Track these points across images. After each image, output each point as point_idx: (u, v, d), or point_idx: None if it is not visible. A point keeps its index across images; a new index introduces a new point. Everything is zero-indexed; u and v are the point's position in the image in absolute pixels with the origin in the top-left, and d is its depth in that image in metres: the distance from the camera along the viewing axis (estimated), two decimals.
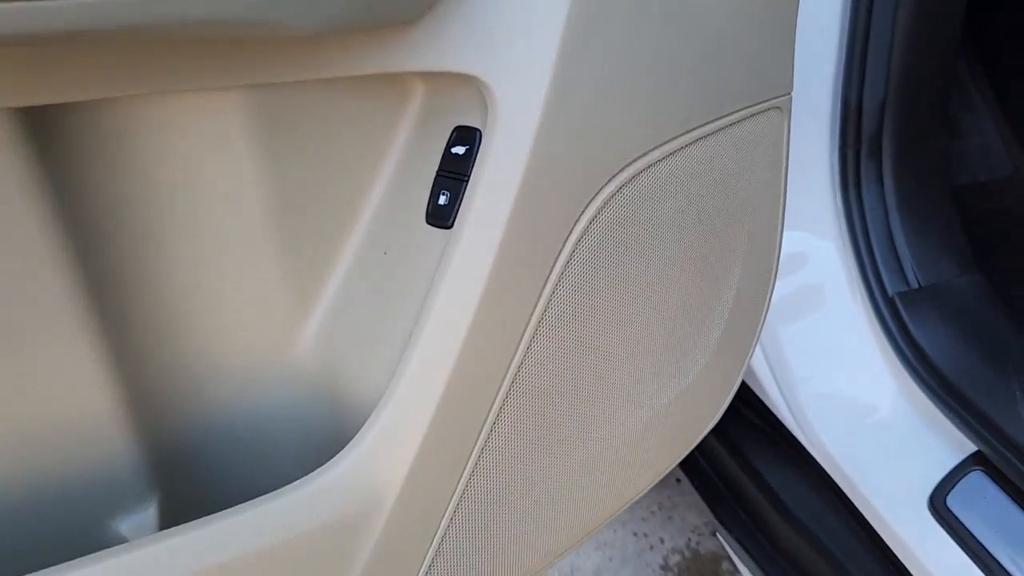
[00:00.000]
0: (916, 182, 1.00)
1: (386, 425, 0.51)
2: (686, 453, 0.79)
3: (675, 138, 0.59)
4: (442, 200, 0.53)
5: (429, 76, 0.54)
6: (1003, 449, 0.85)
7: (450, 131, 0.54)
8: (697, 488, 1.13)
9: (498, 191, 0.51)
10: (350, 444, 0.52)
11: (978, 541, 0.84)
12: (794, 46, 0.67)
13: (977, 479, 0.89)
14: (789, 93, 0.68)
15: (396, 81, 0.55)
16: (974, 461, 0.89)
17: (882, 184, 0.99)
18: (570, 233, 0.54)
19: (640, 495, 0.76)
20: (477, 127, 0.53)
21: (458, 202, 0.52)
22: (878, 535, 0.93)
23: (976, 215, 1.22)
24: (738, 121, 0.64)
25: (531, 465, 0.61)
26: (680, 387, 0.72)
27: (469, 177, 0.52)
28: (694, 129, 0.60)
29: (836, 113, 0.99)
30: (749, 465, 1.06)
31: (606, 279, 0.58)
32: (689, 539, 1.57)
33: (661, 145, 0.58)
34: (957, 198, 1.23)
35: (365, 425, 0.52)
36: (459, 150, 0.53)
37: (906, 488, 0.91)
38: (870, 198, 1.00)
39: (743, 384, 1.09)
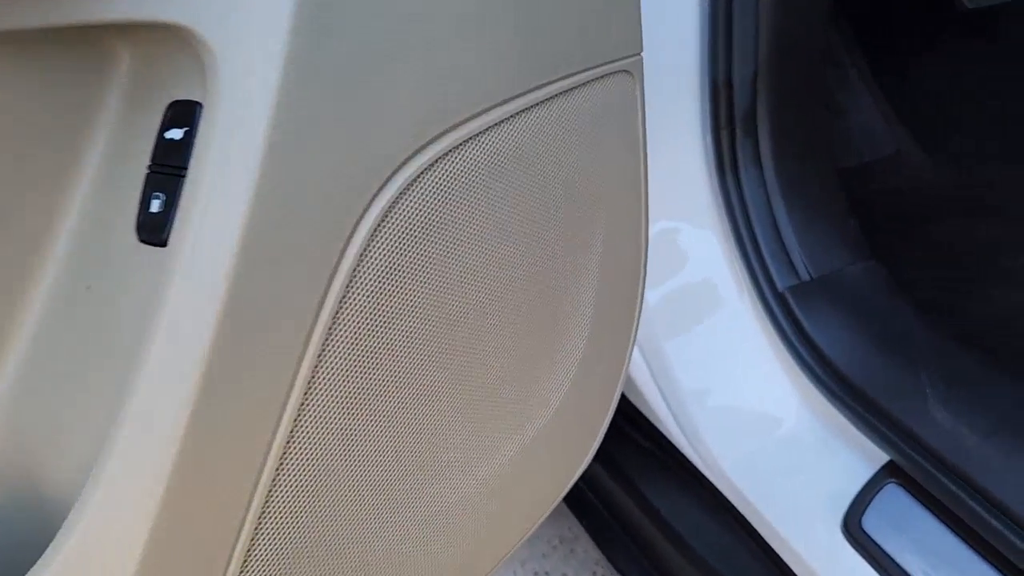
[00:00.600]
0: (798, 163, 0.90)
1: (77, 551, 0.34)
2: (562, 495, 0.65)
3: (490, 109, 0.45)
4: (155, 206, 0.37)
5: (131, 31, 0.38)
6: (917, 457, 0.74)
7: (164, 108, 0.38)
8: (585, 526, 0.99)
9: (226, 189, 0.35)
10: None
11: (900, 567, 0.72)
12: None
13: (893, 493, 0.78)
14: (638, 54, 0.55)
15: (92, 40, 0.39)
16: (888, 473, 0.79)
17: (761, 166, 0.88)
18: (346, 245, 0.39)
19: (515, 548, 0.61)
20: (197, 100, 0.37)
21: (174, 207, 0.36)
22: (789, 568, 0.81)
23: (863, 197, 1.13)
24: (574, 87, 0.50)
25: (345, 556, 0.45)
26: (540, 421, 0.58)
27: (187, 171, 0.36)
28: (515, 98, 0.46)
29: (705, 90, 0.87)
30: (640, 495, 0.93)
31: (410, 304, 0.43)
32: (594, 572, 1.44)
33: (470, 119, 0.44)
34: (842, 181, 1.14)
35: (46, 552, 0.35)
36: (175, 134, 0.37)
37: (816, 511, 0.79)
38: (750, 183, 0.88)
39: (628, 403, 0.96)
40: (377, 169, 0.40)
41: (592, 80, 0.50)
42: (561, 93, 0.49)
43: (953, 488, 0.71)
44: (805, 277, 0.88)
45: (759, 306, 0.88)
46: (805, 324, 0.85)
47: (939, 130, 1.27)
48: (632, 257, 0.61)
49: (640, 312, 0.64)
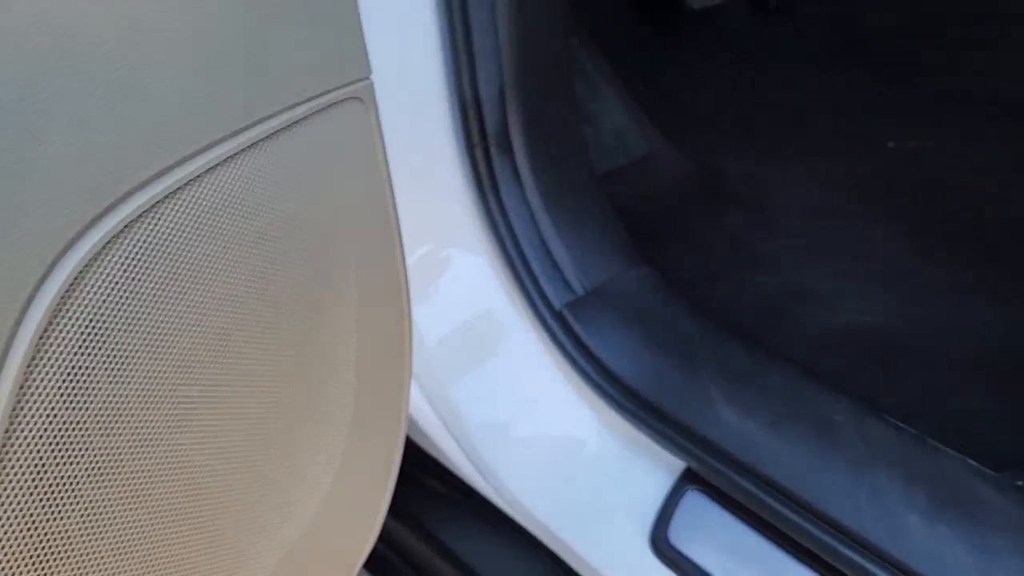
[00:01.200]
0: (557, 176, 0.87)
1: None
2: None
3: (183, 161, 0.36)
4: None
5: None
6: (711, 459, 0.73)
7: None
8: None
9: None
10: None
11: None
12: (359, 19, 0.48)
13: (694, 500, 0.77)
14: (366, 78, 0.48)
15: None
16: (687, 480, 0.77)
17: (521, 183, 0.85)
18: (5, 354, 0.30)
19: None
20: None
21: None
22: None
23: (625, 202, 1.14)
24: (293, 123, 0.43)
25: None
26: (312, 507, 0.49)
27: None
28: (213, 145, 0.38)
29: (455, 110, 0.83)
30: (444, 548, 0.87)
31: (111, 420, 0.34)
32: None
33: (156, 177, 0.35)
34: (603, 187, 1.14)
35: None
36: None
37: (623, 533, 0.76)
38: (512, 201, 0.85)
39: (420, 451, 0.89)
40: (34, 256, 0.31)
41: (313, 113, 0.43)
42: (276, 132, 0.42)
43: (747, 485, 0.71)
44: (580, 291, 0.86)
45: (540, 329, 0.84)
46: (587, 340, 0.82)
47: (684, 128, 1.32)
48: (391, 301, 0.54)
49: (409, 361, 0.57)
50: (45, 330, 0.31)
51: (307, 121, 0.44)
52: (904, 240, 1.07)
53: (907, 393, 0.86)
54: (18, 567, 0.32)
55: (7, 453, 0.31)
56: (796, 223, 1.14)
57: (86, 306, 0.33)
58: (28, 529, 0.32)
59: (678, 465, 0.78)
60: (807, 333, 0.95)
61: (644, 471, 0.79)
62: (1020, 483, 0.73)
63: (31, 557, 0.32)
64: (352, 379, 0.51)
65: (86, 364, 0.33)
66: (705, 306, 1.01)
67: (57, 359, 0.32)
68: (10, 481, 0.31)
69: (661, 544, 0.74)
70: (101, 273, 0.33)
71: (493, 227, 0.85)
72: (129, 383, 0.35)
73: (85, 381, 0.33)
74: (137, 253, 0.35)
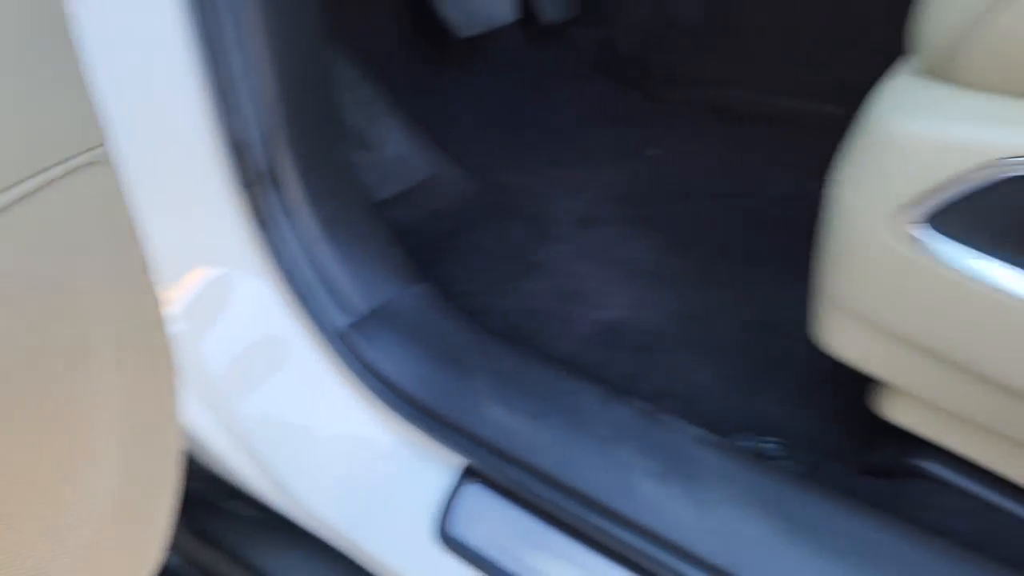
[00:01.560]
0: (333, 207, 0.94)
1: None
2: None
3: None
4: None
5: None
6: (484, 454, 0.82)
7: None
8: None
9: None
10: None
11: (490, 561, 0.80)
12: (86, 89, 0.51)
13: (474, 493, 0.85)
14: (100, 145, 0.53)
15: None
16: (467, 476, 0.86)
17: (299, 216, 0.91)
18: None
19: None
20: None
21: None
22: None
23: (409, 225, 1.22)
24: (27, 195, 0.47)
25: None
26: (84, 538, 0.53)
27: None
28: None
29: (227, 152, 0.87)
30: (252, 567, 0.91)
31: None
32: None
33: None
34: (384, 212, 1.22)
35: None
36: None
37: (410, 529, 0.84)
38: (291, 235, 0.90)
39: (216, 479, 0.93)
40: None
41: (37, 189, 0.47)
42: (10, 205, 0.46)
43: (516, 475, 0.80)
44: (363, 312, 0.92)
45: (327, 349, 0.90)
46: (369, 356, 0.89)
47: (466, 147, 1.41)
48: (149, 336, 0.58)
49: (174, 414, 0.61)
50: None
51: (44, 191, 0.48)
52: (657, 239, 1.21)
53: (657, 375, 0.98)
54: None
55: None
56: (566, 230, 1.25)
57: None
58: None
59: (461, 462, 0.87)
60: (574, 331, 1.06)
61: (428, 471, 0.87)
62: (741, 444, 0.87)
63: None
64: (116, 418, 0.55)
65: None
66: (485, 313, 1.10)
67: None
68: None
69: (445, 536, 0.82)
70: None
71: (274, 258, 0.90)
72: None
73: None
74: None
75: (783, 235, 1.02)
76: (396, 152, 1.28)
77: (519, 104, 1.53)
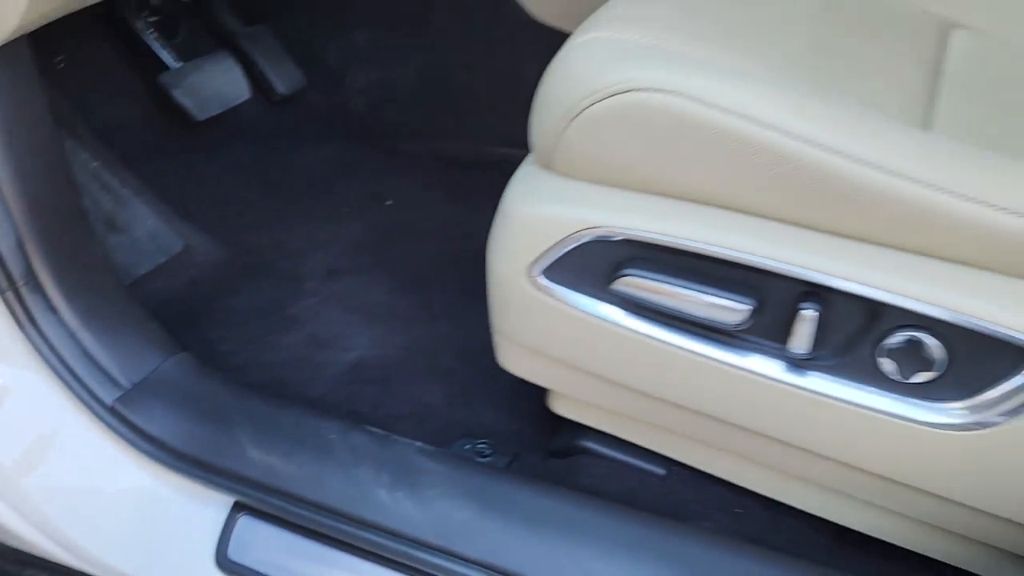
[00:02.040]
0: (90, 297, 1.06)
1: None
2: None
3: None
4: None
5: None
6: (249, 491, 0.99)
7: None
8: None
9: None
10: None
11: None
12: None
13: (246, 523, 1.01)
14: None
15: None
16: (237, 509, 1.02)
17: (58, 312, 1.03)
18: None
19: None
20: None
21: None
22: None
23: (168, 296, 1.35)
24: None
25: None
26: None
27: None
28: None
29: None
30: None
31: None
32: None
33: None
34: (144, 287, 1.34)
35: None
36: None
37: (192, 563, 0.99)
38: (53, 330, 1.02)
39: (16, 551, 1.03)
40: None
41: None
42: None
43: (277, 502, 0.98)
44: (126, 387, 1.05)
45: (99, 423, 1.03)
46: (140, 424, 1.03)
47: (219, 216, 1.55)
48: None
49: None
50: None
51: None
52: (393, 281, 1.42)
53: (396, 402, 1.19)
54: None
55: None
56: (316, 283, 1.43)
57: None
58: None
59: (230, 499, 1.03)
60: (326, 373, 1.25)
61: (204, 510, 1.02)
62: (461, 449, 1.09)
63: None
64: None
65: None
66: (247, 368, 1.26)
67: None
68: None
69: (223, 562, 0.99)
70: None
71: (41, 351, 1.02)
72: None
73: None
74: None
75: (477, 273, 1.26)
76: (147, 230, 1.40)
77: (264, 169, 1.69)
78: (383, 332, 1.32)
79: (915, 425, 0.76)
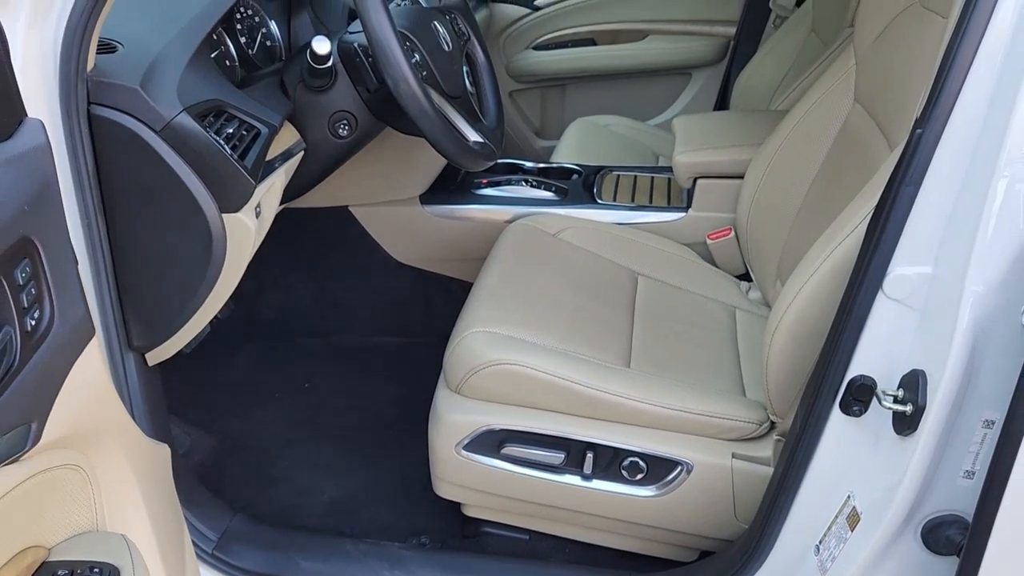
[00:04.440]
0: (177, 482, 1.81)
1: None
2: None
3: None
4: None
5: None
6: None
7: None
8: None
9: None
10: None
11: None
12: None
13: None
14: None
15: None
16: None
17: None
18: None
19: None
20: None
21: None
22: None
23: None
24: None
25: None
26: None
27: None
28: None
29: None
30: None
31: None
32: None
33: None
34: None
35: None
36: None
37: None
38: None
39: None
40: None
41: None
42: None
43: None
44: (215, 539, 1.81)
45: (209, 566, 1.78)
46: (236, 562, 1.79)
47: (191, 413, 2.29)
48: None
49: None
50: None
51: None
52: (335, 443, 2.25)
53: (367, 523, 2.03)
54: None
55: None
56: (281, 450, 2.23)
57: None
58: None
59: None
60: (312, 511, 2.06)
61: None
62: (421, 542, 1.96)
63: None
64: None
65: None
66: (262, 517, 2.03)
67: None
68: None
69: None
70: None
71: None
72: None
73: None
74: None
75: (391, 427, 2.14)
76: None
77: (213, 374, 2.46)
78: (342, 479, 2.15)
79: (637, 497, 1.76)
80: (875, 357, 1.31)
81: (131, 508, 1.19)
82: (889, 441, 1.29)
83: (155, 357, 1.64)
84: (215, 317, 2.11)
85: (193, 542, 1.75)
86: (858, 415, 1.34)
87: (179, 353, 1.64)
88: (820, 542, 1.47)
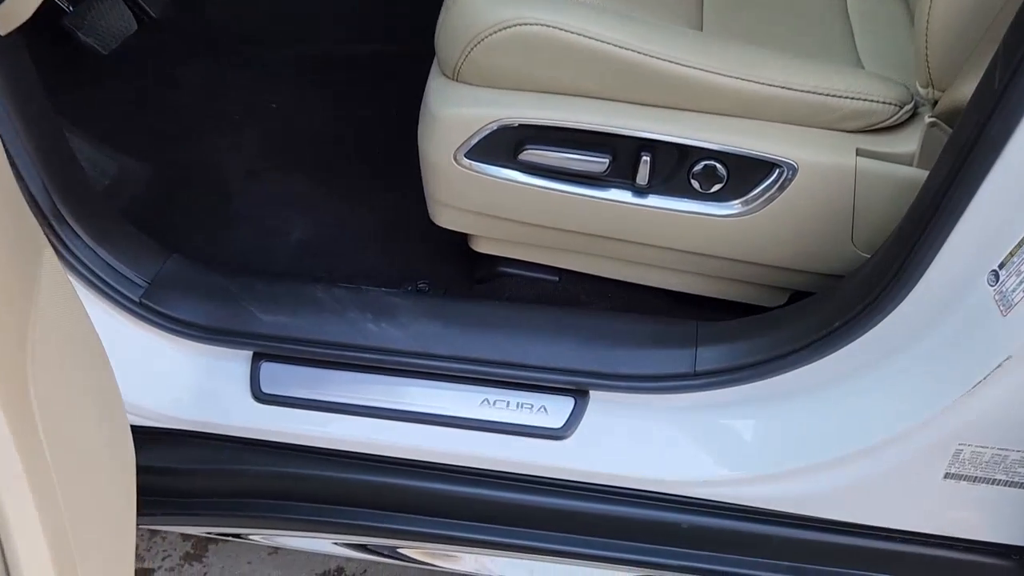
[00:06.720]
0: (96, 222, 1.33)
1: None
2: None
3: None
4: None
5: None
6: (265, 342, 1.35)
7: None
8: None
9: None
10: None
11: (304, 399, 1.34)
12: None
13: (266, 366, 1.36)
14: None
15: None
16: (257, 358, 1.37)
17: (80, 236, 1.30)
18: None
19: None
20: None
21: None
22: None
23: (122, 213, 1.60)
24: None
25: None
26: None
27: None
28: None
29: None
30: None
31: None
32: None
33: None
34: None
35: None
36: None
37: (235, 400, 1.36)
38: (80, 251, 1.30)
39: None
40: None
41: None
42: None
43: (291, 346, 1.35)
44: (144, 285, 1.36)
45: (135, 316, 1.33)
46: (167, 312, 1.34)
47: (132, 137, 1.79)
48: None
49: None
50: None
51: None
52: (306, 173, 1.75)
53: (346, 268, 1.57)
54: None
55: None
56: (242, 183, 1.74)
57: None
58: None
59: (251, 352, 1.38)
60: (279, 253, 1.59)
61: (233, 366, 1.37)
62: (408, 289, 1.50)
63: None
64: None
65: None
66: (213, 262, 1.57)
67: None
68: None
69: (259, 395, 1.35)
70: None
71: (76, 267, 1.29)
72: None
73: None
74: None
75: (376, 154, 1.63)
76: (87, 158, 1.63)
77: (160, 92, 1.92)
78: (315, 215, 1.67)
79: (712, 217, 1.25)
80: None
81: None
82: None
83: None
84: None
85: (116, 290, 1.30)
86: None
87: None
88: (1001, 265, 0.97)
